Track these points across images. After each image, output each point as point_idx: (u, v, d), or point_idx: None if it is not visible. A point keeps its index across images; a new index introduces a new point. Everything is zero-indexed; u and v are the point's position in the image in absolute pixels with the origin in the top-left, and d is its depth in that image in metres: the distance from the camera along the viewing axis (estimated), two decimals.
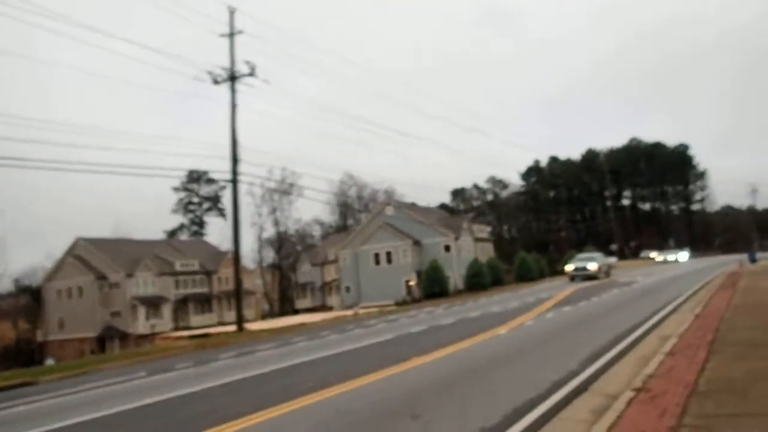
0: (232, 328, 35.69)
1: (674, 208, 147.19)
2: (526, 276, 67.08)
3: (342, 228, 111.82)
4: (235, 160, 31.42)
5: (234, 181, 32.32)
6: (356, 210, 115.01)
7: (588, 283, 44.79)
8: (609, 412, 7.28)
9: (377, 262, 73.75)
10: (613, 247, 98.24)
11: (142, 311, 78.73)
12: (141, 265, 79.59)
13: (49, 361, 54.91)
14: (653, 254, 76.11)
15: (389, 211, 76.76)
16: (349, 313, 48.91)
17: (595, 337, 15.31)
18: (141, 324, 77.12)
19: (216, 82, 31.53)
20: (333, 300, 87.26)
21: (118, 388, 16.33)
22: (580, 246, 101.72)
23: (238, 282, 33.41)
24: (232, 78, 31.61)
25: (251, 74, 31.35)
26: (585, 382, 9.86)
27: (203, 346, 26.92)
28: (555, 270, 79.80)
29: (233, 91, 31.73)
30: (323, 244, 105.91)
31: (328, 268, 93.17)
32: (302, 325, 35.02)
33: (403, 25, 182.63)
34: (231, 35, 31.95)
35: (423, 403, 9.32)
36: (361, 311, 46.76)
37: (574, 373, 10.60)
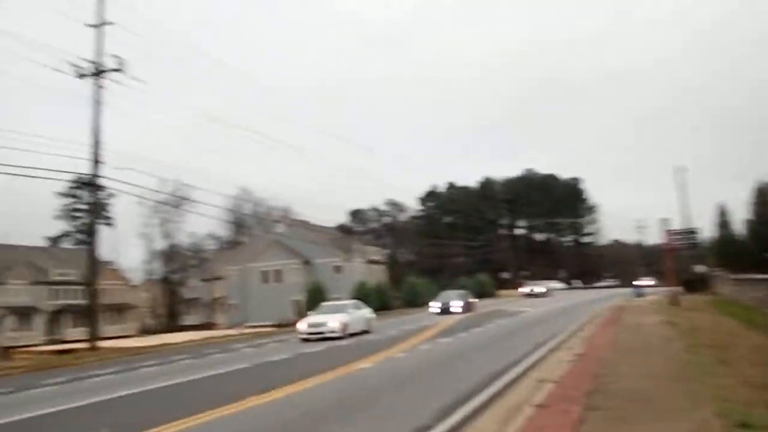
0: (109, 342, 33.22)
1: (567, 239, 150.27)
2: (415, 301, 65.54)
3: (236, 244, 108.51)
4: (96, 162, 28.58)
5: (94, 185, 29.50)
6: (249, 226, 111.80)
7: (474, 312, 43.81)
8: None
9: (266, 280, 71.14)
10: (505, 275, 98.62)
11: (10, 321, 73.31)
12: (13, 271, 74.21)
13: None
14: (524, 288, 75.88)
15: (281, 228, 74.44)
16: (230, 331, 46.59)
17: (465, 376, 13.56)
18: (8, 334, 71.69)
19: (81, 75, 28.68)
20: (221, 317, 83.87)
21: None
22: (473, 272, 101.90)
23: (92, 294, 30.42)
24: (97, 72, 28.80)
25: (118, 70, 28.65)
26: None
27: (40, 367, 23.93)
28: None
29: (98, 86, 28.91)
30: (215, 260, 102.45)
31: (218, 284, 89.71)
32: (164, 345, 32.18)
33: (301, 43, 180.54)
34: (98, 25, 29.19)
35: None
36: (246, 330, 44.46)
37: (423, 430, 8.68)
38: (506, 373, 13.73)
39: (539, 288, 72.54)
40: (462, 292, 49.84)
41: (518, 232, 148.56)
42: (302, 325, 28.47)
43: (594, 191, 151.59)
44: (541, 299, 61.46)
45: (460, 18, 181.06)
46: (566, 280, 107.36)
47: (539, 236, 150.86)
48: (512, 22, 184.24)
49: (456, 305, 44.48)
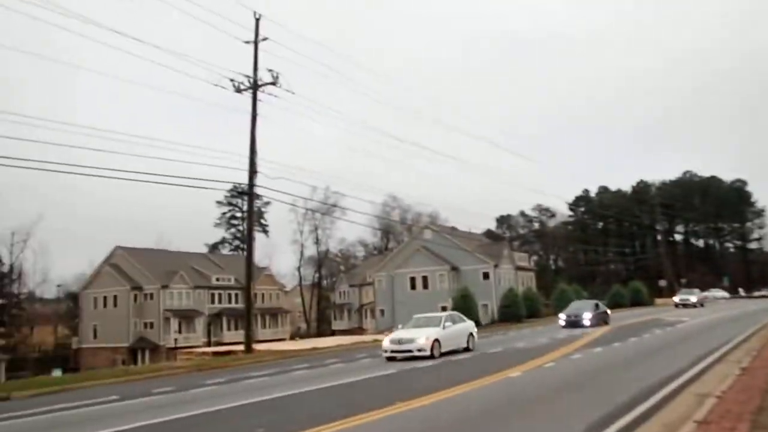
0: (264, 345, 34.56)
1: (729, 245, 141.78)
2: (565, 309, 63.88)
3: (384, 250, 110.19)
4: (252, 172, 29.87)
5: (251, 194, 30.82)
6: (397, 233, 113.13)
7: (627, 321, 41.96)
8: None
9: (413, 287, 71.72)
10: (662, 283, 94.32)
11: (174, 324, 77.85)
12: (177, 277, 78.80)
13: (56, 372, 53.94)
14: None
15: (428, 234, 74.75)
16: (378, 336, 47.02)
17: (618, 389, 12.95)
18: (173, 336, 76.17)
19: (238, 90, 30.08)
20: (369, 322, 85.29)
21: (74, 413, 15.01)
22: (627, 280, 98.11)
23: (249, 298, 31.70)
24: (255, 86, 30.09)
25: (274, 83, 29.82)
26: None
27: (200, 368, 25.20)
28: None
29: (255, 99, 30.27)
30: (363, 266, 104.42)
31: (366, 289, 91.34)
32: (315, 349, 33.07)
33: (447, 47, 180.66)
34: (255, 42, 30.51)
35: None
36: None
37: None
38: (664, 387, 13.03)
39: (690, 296, 64.83)
40: (593, 302, 44.40)
41: (676, 237, 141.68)
42: (386, 342, 24.38)
43: (761, 194, 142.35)
44: (698, 309, 57.76)
45: (619, 21, 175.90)
46: (730, 289, 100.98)
47: (699, 242, 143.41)
48: (672, 26, 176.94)
49: (586, 317, 39.09)
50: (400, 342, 23.62)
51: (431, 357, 22.67)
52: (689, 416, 9.42)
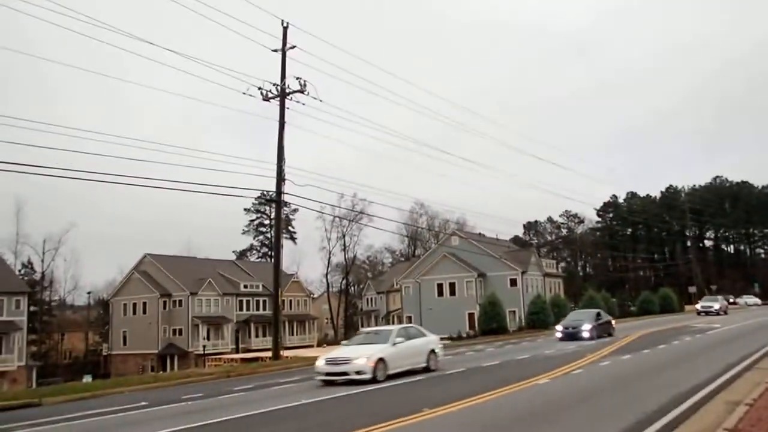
0: (291, 352, 34.33)
1: (760, 251, 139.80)
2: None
3: (411, 257, 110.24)
4: (280, 179, 30.06)
5: (278, 201, 31.01)
6: (425, 239, 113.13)
7: (656, 327, 41.50)
8: None
9: (440, 293, 71.67)
10: (692, 289, 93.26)
11: (203, 330, 78.40)
12: (205, 284, 79.37)
13: (87, 378, 54.59)
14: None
15: (455, 241, 74.63)
16: None
17: (647, 396, 12.85)
18: (201, 343, 76.71)
19: (266, 98, 30.31)
20: None
21: (104, 419, 15.23)
22: (656, 286, 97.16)
23: (276, 306, 31.87)
24: (283, 95, 30.29)
25: (302, 91, 29.97)
26: None
27: (228, 374, 25.39)
28: (627, 311, 75.95)
29: (283, 107, 30.44)
30: (390, 272, 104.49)
31: (393, 296, 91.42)
32: None
33: (477, 55, 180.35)
34: (283, 50, 30.72)
35: None
36: None
37: None
38: (694, 394, 12.90)
39: (713, 304, 61.08)
40: (595, 311, 40.22)
41: (706, 243, 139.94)
42: (320, 362, 20.01)
43: None
44: (728, 316, 56.67)
45: (641, 25, 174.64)
46: (761, 295, 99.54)
47: (730, 248, 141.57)
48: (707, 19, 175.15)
49: (586, 329, 35.27)
50: (335, 362, 19.53)
51: (373, 381, 18.63)
52: (719, 424, 9.33)
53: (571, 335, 35.42)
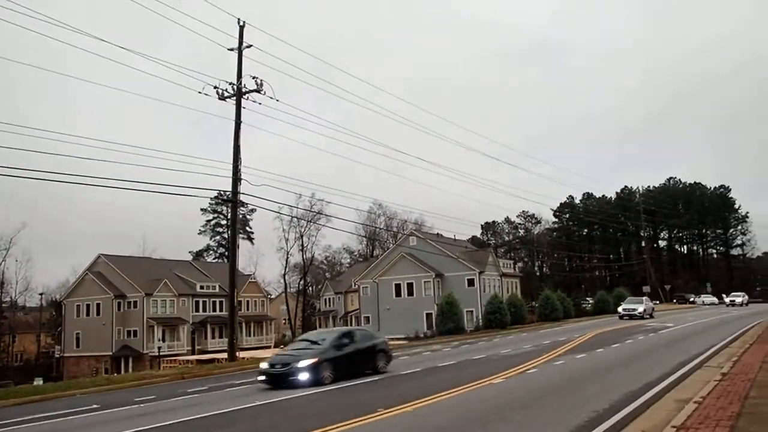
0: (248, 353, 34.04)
1: (713, 251, 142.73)
2: (549, 315, 64.01)
3: (369, 257, 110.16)
4: (236, 179, 29.75)
5: (234, 201, 30.68)
6: (382, 240, 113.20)
7: (610, 327, 42.07)
8: None
9: (398, 293, 71.58)
10: (646, 289, 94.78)
11: (158, 332, 77.25)
12: (161, 285, 78.25)
13: (38, 381, 53.58)
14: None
15: (413, 241, 74.63)
16: None
17: (599, 395, 13.00)
18: (157, 345, 75.62)
19: (222, 98, 29.98)
20: None
21: (54, 422, 14.98)
22: (612, 286, 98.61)
23: (232, 307, 31.47)
24: (239, 94, 29.98)
25: (258, 90, 29.70)
26: None
27: (183, 376, 25.04)
28: (582, 310, 76.82)
29: (239, 107, 30.10)
30: (349, 273, 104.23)
31: (352, 296, 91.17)
32: None
33: (432, 55, 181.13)
34: (239, 49, 30.40)
35: None
36: None
37: None
38: (645, 393, 13.09)
39: (637, 306, 54.26)
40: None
41: (660, 244, 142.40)
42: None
43: (744, 200, 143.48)
44: (683, 314, 57.67)
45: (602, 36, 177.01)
46: (712, 295, 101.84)
47: (683, 248, 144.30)
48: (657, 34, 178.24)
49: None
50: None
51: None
52: (668, 421, 9.45)
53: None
